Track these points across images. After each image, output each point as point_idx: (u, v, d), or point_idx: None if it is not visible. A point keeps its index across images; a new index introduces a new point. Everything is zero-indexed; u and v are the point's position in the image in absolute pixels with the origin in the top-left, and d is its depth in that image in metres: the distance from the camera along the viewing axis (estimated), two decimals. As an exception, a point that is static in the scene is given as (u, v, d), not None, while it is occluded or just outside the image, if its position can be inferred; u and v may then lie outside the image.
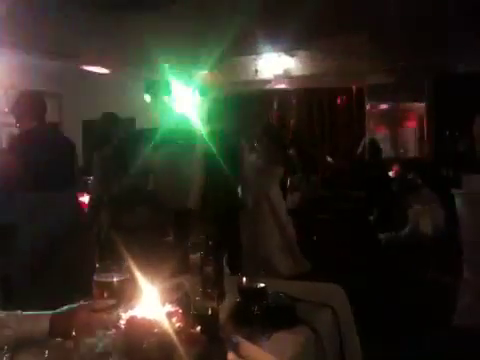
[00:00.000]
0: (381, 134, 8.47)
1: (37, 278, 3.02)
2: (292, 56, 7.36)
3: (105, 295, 1.44)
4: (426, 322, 3.78)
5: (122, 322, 1.35)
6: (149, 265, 1.66)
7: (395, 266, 5.12)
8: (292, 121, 8.60)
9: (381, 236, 5.96)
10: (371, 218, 6.30)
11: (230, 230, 4.54)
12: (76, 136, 6.73)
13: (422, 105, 8.16)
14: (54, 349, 1.37)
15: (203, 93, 8.60)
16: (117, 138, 4.27)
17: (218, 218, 4.35)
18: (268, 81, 8.17)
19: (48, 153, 3.35)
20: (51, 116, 4.10)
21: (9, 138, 3.80)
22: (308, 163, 7.23)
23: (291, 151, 7.04)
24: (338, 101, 8.71)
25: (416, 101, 8.25)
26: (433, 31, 5.62)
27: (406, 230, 5.85)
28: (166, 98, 8.43)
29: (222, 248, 2.04)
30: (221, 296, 1.84)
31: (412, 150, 8.43)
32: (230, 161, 4.55)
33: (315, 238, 6.17)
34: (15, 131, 3.74)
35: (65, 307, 1.48)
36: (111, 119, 4.50)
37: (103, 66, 7.10)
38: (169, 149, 5.06)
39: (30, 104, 3.47)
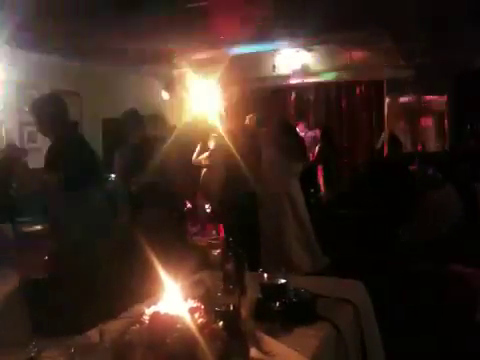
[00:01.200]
0: (400, 128, 8.39)
1: (68, 278, 3.02)
2: (310, 51, 7.32)
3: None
4: (447, 318, 3.74)
5: (146, 317, 1.37)
6: (169, 262, 1.68)
7: (415, 262, 5.08)
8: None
9: (401, 231, 5.91)
10: (391, 213, 6.25)
11: (249, 227, 4.55)
12: (96, 134, 6.81)
13: (442, 99, 8.06)
14: (80, 345, 1.40)
15: (222, 90, 8.62)
16: (138, 136, 4.23)
17: (237, 215, 4.37)
18: (286, 76, 8.14)
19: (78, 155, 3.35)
20: (71, 115, 4.11)
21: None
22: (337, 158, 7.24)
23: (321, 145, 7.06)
24: (357, 96, 8.65)
25: (436, 95, 8.15)
26: (453, 25, 5.55)
27: (427, 225, 5.79)
28: (184, 96, 8.50)
29: (242, 245, 2.05)
30: (242, 292, 1.85)
31: (432, 144, 8.33)
32: (249, 158, 4.57)
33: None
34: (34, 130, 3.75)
35: None
36: (134, 116, 4.45)
37: (121, 64, 7.15)
38: (187, 147, 5.11)
39: (51, 111, 3.44)
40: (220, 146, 4.74)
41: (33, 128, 6.27)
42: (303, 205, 5.51)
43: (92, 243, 3.17)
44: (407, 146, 8.17)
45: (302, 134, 7.79)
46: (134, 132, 4.25)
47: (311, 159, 7.06)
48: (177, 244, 3.77)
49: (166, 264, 1.64)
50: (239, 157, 4.49)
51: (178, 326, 1.33)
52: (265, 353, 1.46)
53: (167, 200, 4.15)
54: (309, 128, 8.16)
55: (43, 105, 3.42)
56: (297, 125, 8.04)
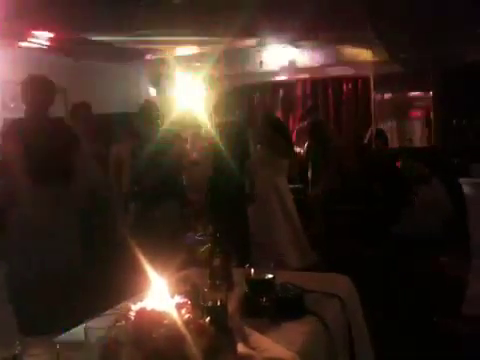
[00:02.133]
0: (388, 124, 8.43)
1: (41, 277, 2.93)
2: (297, 47, 7.32)
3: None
4: (435, 311, 3.77)
5: (132, 314, 1.36)
6: (164, 257, 1.67)
7: (403, 256, 5.12)
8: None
9: (390, 227, 5.93)
10: (379, 209, 6.27)
11: (238, 222, 4.55)
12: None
13: (429, 94, 8.11)
14: (65, 343, 1.39)
15: (209, 86, 8.59)
16: (150, 131, 4.17)
17: (226, 210, 4.36)
18: (273, 72, 8.14)
19: (41, 144, 3.14)
20: (57, 110, 4.06)
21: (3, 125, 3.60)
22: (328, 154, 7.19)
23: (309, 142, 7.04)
24: (344, 92, 8.68)
25: (423, 90, 8.20)
26: (440, 20, 5.57)
27: (414, 220, 5.83)
28: (172, 92, 8.45)
29: (230, 240, 2.05)
30: (230, 287, 1.85)
31: (419, 140, 8.39)
32: (237, 153, 4.56)
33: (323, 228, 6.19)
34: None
35: None
36: (151, 109, 4.39)
37: (108, 59, 7.09)
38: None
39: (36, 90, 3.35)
40: (207, 143, 4.72)
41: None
42: (291, 201, 5.53)
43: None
44: (394, 141, 8.22)
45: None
46: (151, 126, 4.19)
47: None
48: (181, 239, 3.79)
49: (169, 257, 1.63)
50: (227, 153, 4.48)
51: (165, 322, 1.32)
52: (252, 348, 1.46)
53: (180, 195, 4.19)
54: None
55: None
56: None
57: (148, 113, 4.27)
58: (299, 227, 5.50)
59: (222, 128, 4.67)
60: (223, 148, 4.51)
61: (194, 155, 6.11)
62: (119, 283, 2.77)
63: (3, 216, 3.04)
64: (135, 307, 1.38)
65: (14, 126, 3.33)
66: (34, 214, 3.03)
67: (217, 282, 1.79)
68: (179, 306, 1.39)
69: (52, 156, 3.11)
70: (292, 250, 5.29)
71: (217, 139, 4.58)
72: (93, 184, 3.40)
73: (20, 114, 3.42)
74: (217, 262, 1.89)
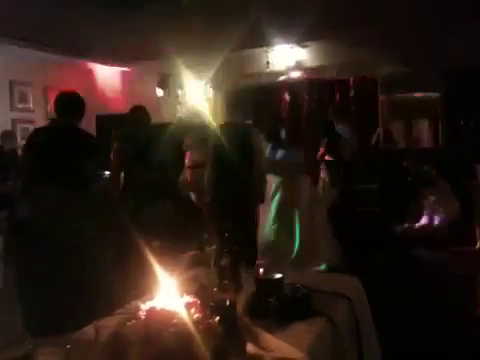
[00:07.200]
0: (394, 125, 8.40)
1: (52, 278, 2.97)
2: (304, 47, 7.31)
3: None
4: (445, 314, 3.75)
5: (142, 313, 1.36)
6: (167, 257, 1.67)
7: (410, 258, 5.10)
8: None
9: (396, 228, 5.92)
10: (385, 210, 6.26)
11: (246, 223, 4.54)
12: (90, 131, 6.79)
13: (436, 95, 8.07)
14: (76, 342, 1.39)
15: (215, 86, 8.60)
16: (144, 134, 4.28)
17: (233, 211, 4.35)
18: (280, 73, 8.14)
19: (61, 152, 3.36)
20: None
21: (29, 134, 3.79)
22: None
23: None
24: (350, 92, 8.65)
25: (430, 91, 8.17)
26: (447, 21, 5.56)
27: (421, 222, 5.81)
28: (178, 93, 8.46)
29: (238, 241, 2.05)
30: (238, 287, 1.85)
31: (426, 141, 8.35)
32: (244, 154, 4.55)
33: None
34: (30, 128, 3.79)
35: None
36: (143, 113, 4.53)
37: (116, 62, 7.12)
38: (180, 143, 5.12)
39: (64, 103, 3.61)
40: (214, 144, 4.70)
41: (26, 125, 6.29)
42: (311, 199, 5.61)
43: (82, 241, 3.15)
44: (401, 143, 8.19)
45: None
46: (142, 128, 4.32)
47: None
48: (177, 240, 3.80)
49: (163, 258, 1.64)
50: (232, 153, 4.48)
51: (174, 321, 1.32)
52: (262, 348, 1.46)
53: (175, 195, 4.24)
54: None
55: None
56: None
57: (136, 117, 4.43)
58: (321, 227, 5.55)
59: (229, 128, 4.66)
60: (229, 148, 4.51)
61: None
62: (128, 283, 2.78)
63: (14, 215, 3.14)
64: (145, 306, 1.39)
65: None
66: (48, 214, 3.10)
67: (225, 282, 1.79)
68: (189, 305, 1.39)
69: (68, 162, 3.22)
70: (331, 247, 5.37)
71: (222, 139, 4.58)
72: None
73: (27, 115, 3.55)
74: (224, 262, 1.89)
